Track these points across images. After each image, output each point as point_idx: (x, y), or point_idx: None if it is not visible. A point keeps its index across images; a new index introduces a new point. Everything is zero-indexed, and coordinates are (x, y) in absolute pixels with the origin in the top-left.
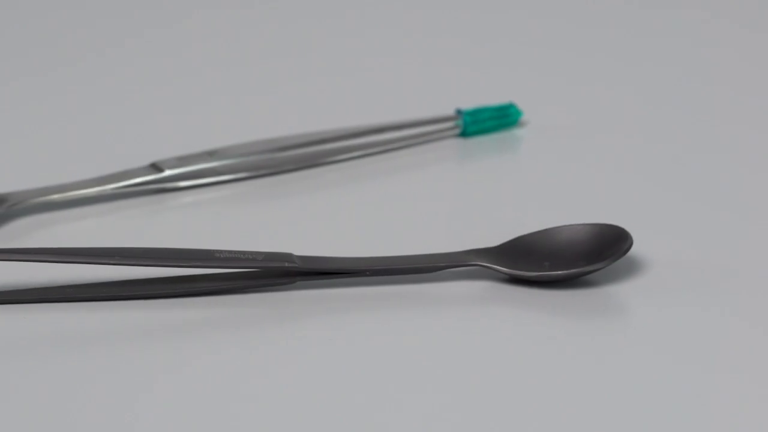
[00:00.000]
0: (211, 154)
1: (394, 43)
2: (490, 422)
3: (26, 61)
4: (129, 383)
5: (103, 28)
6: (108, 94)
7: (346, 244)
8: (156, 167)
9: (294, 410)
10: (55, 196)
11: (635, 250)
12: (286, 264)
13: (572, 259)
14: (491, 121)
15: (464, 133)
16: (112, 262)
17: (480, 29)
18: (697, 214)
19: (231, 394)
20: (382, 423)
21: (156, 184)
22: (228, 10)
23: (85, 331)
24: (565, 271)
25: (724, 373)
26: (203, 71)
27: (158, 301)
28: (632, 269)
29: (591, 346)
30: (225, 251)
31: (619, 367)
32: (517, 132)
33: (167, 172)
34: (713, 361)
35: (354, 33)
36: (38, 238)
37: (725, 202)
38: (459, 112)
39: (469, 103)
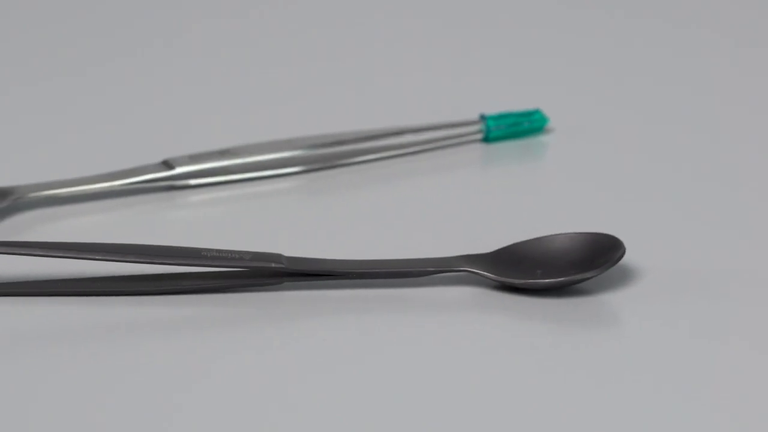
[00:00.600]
0: (223, 153)
1: (422, 47)
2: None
3: (45, 60)
4: (107, 379)
5: (124, 27)
6: (131, 92)
7: (349, 247)
8: (167, 164)
9: (275, 410)
10: (62, 191)
11: (630, 259)
12: (273, 264)
13: (564, 268)
14: (515, 126)
15: (487, 138)
16: (98, 257)
17: (514, 36)
18: (691, 223)
19: (213, 392)
20: (362, 427)
21: (166, 181)
22: (254, 9)
23: (68, 326)
24: (552, 280)
25: (718, 382)
26: (227, 70)
27: (144, 298)
28: (625, 278)
29: (580, 355)
30: (213, 250)
31: (610, 376)
32: (542, 138)
33: (177, 170)
34: (706, 371)
35: (384, 35)
36: (40, 232)
37: (722, 210)
38: (482, 116)
39: (498, 109)
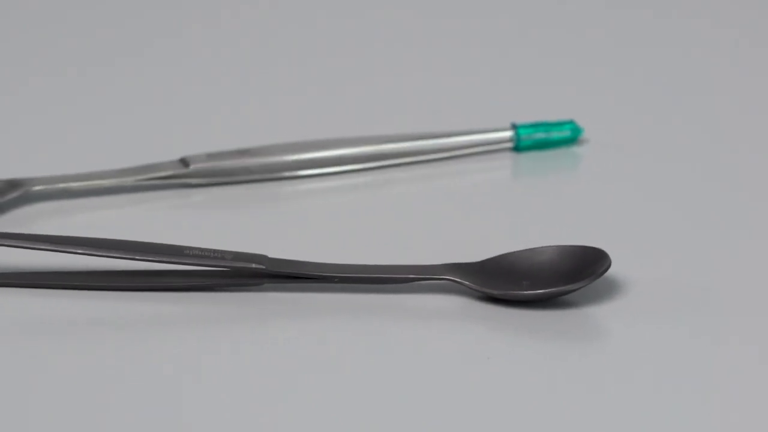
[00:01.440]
0: (242, 153)
1: (457, 55)
2: None
3: (69, 55)
4: (86, 372)
5: (153, 23)
6: (157, 89)
7: (354, 250)
8: (184, 162)
9: (244, 411)
10: (74, 184)
11: (619, 271)
12: (253, 265)
13: (549, 280)
14: (547, 137)
15: (518, 147)
16: (81, 252)
17: (553, 45)
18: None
19: (185, 389)
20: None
21: (181, 179)
22: (283, 9)
23: (46, 319)
24: (531, 291)
25: (703, 395)
26: (257, 70)
27: (126, 294)
28: (612, 291)
29: (562, 368)
30: (196, 248)
31: (595, 388)
32: (576, 149)
33: (192, 167)
34: (691, 383)
35: (421, 39)
36: (43, 225)
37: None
38: (514, 125)
39: (537, 118)
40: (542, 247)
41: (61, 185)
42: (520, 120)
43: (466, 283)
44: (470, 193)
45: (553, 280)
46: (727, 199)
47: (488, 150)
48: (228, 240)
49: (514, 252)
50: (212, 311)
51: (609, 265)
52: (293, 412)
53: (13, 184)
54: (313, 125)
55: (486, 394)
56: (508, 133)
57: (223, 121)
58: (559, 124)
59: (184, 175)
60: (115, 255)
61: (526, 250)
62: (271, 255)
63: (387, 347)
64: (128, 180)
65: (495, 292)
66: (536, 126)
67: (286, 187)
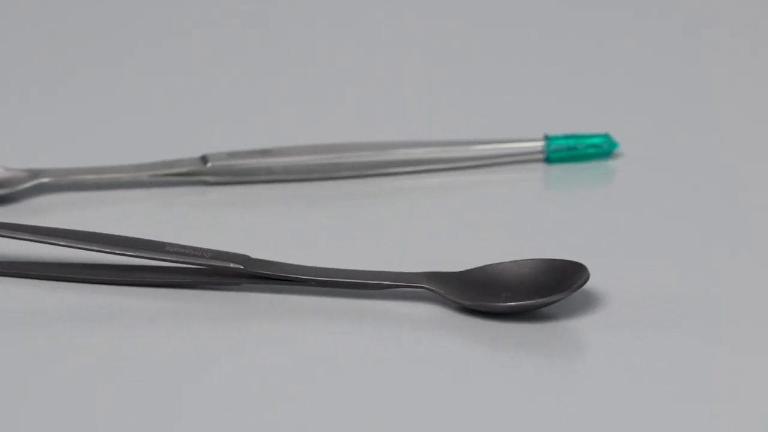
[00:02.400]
0: (263, 153)
1: (496, 67)
2: None
3: (98, 51)
4: (50, 364)
5: (184, 20)
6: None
7: (354, 255)
8: (203, 160)
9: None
10: (88, 177)
11: (597, 285)
12: (231, 265)
13: (527, 293)
14: (579, 149)
15: (549, 159)
16: (62, 243)
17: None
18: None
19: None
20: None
21: (199, 176)
22: (318, 9)
23: (17, 309)
24: (504, 304)
25: (681, 408)
26: (287, 72)
27: (103, 287)
28: (590, 304)
29: (536, 381)
30: (177, 245)
31: (571, 401)
32: (610, 163)
33: (210, 165)
34: (669, 396)
35: (472, 53)
36: (55, 216)
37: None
38: (546, 136)
39: (581, 131)
40: (525, 259)
41: (76, 177)
42: (565, 131)
43: (441, 291)
44: (489, 202)
45: (528, 293)
46: (742, 216)
47: (519, 160)
48: (230, 240)
49: (495, 263)
50: (187, 308)
51: (587, 279)
52: (255, 414)
53: (30, 174)
54: (339, 129)
55: (457, 406)
56: (540, 143)
57: (247, 122)
58: (592, 137)
59: (202, 173)
60: (95, 248)
61: (508, 262)
62: (271, 256)
63: (351, 354)
64: (143, 175)
65: (467, 303)
66: (568, 137)
67: (303, 189)
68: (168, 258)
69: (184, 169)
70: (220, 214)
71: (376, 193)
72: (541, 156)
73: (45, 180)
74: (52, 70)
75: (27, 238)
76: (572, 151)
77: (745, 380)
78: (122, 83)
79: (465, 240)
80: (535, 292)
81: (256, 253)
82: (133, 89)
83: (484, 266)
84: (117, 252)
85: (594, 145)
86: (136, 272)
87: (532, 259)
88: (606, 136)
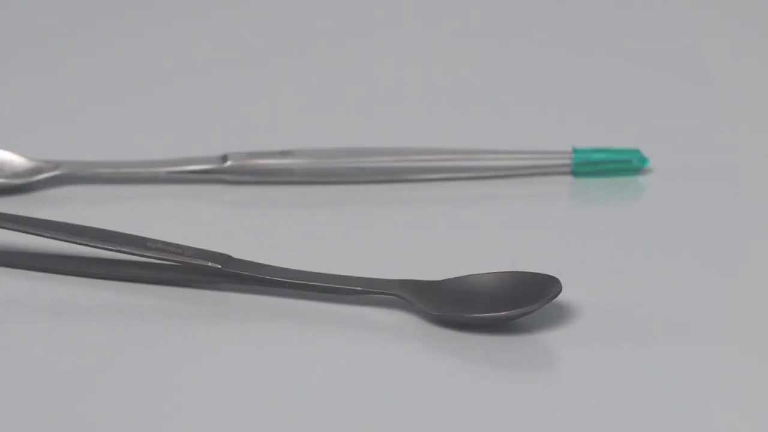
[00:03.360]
0: (284, 154)
1: (526, 78)
2: None
3: (126, 48)
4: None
5: (220, 23)
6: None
7: (354, 258)
8: (223, 158)
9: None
10: (105, 170)
11: (569, 298)
12: (209, 264)
13: (496, 304)
14: (607, 164)
15: (575, 173)
16: (48, 235)
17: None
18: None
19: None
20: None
21: (217, 174)
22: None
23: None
24: (471, 315)
25: (653, 421)
26: (323, 74)
27: (84, 280)
28: (563, 317)
29: (504, 391)
30: (159, 241)
31: (543, 413)
32: (639, 179)
33: (229, 164)
34: (640, 410)
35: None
36: (67, 208)
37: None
38: (574, 149)
39: (619, 145)
40: (503, 272)
41: (95, 170)
42: (604, 145)
43: (411, 300)
44: (506, 214)
45: (498, 305)
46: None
47: (545, 172)
48: (238, 240)
49: (473, 274)
50: (165, 306)
51: (558, 292)
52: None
53: (51, 165)
54: (364, 134)
55: (417, 417)
56: (567, 156)
57: (271, 124)
58: (621, 151)
59: (221, 171)
60: (78, 241)
61: (486, 273)
62: (276, 258)
63: (312, 359)
64: (162, 171)
65: (434, 312)
66: (596, 151)
67: (322, 192)
68: (149, 254)
69: (202, 167)
70: (233, 213)
71: (394, 199)
72: (568, 169)
73: (64, 171)
74: (80, 65)
75: (8, 227)
76: (599, 166)
77: (718, 393)
78: (155, 82)
79: (468, 251)
80: (504, 305)
81: (261, 255)
82: (167, 88)
83: (462, 277)
84: (99, 246)
85: (622, 161)
86: (119, 267)
87: (509, 272)
88: (636, 151)
